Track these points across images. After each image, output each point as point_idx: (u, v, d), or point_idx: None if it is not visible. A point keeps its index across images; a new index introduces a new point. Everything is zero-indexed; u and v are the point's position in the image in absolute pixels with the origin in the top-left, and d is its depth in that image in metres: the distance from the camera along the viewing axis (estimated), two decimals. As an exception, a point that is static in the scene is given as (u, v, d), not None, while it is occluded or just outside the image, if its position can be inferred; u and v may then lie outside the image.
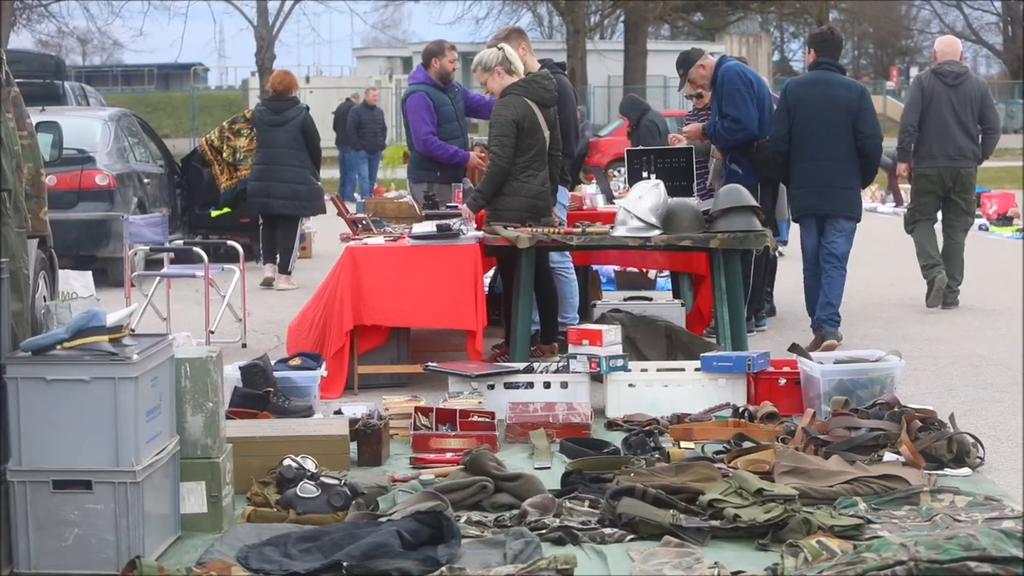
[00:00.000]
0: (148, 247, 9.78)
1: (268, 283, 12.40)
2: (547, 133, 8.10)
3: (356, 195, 22.41)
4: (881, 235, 16.30)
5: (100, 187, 12.60)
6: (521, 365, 7.17)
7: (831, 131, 8.70)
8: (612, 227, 7.83)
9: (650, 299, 9.70)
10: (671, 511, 4.93)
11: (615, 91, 42.66)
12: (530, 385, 6.95)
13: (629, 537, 4.85)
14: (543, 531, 4.87)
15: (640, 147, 11.31)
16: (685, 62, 9.59)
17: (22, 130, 5.31)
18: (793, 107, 8.83)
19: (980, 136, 10.49)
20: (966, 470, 5.75)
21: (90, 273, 10.17)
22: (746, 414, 6.59)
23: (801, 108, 8.79)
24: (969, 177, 10.50)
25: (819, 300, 8.80)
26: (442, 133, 9.37)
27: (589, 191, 10.94)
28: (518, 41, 8.58)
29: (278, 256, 12.61)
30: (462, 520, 5.00)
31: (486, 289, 8.58)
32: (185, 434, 4.96)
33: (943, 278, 10.36)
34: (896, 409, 6.13)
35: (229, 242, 10.08)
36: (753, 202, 7.86)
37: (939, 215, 10.78)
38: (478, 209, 8.15)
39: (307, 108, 12.53)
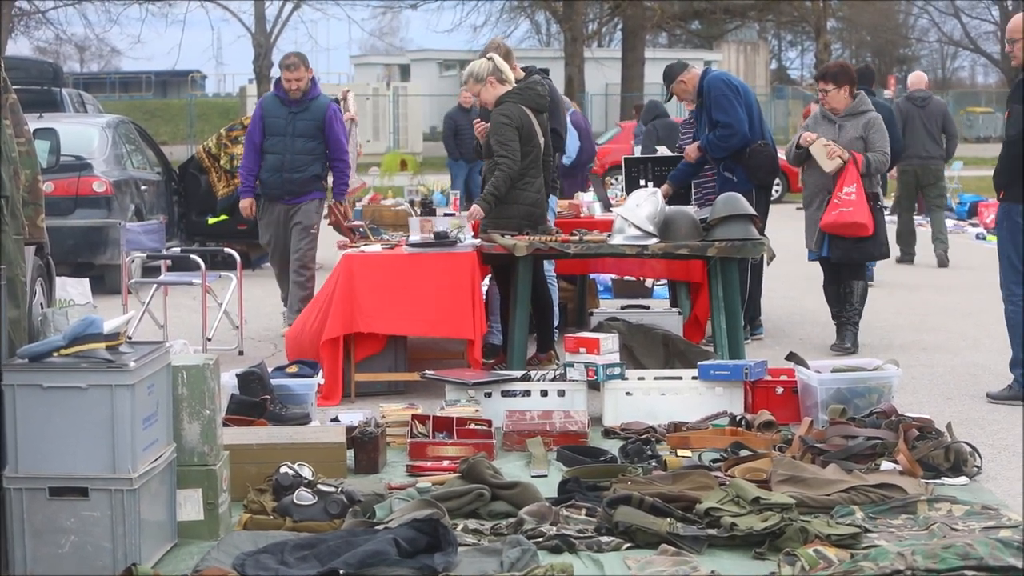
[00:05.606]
0: (145, 254, 9.77)
1: None
2: (542, 140, 8.07)
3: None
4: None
5: (97, 194, 12.58)
6: (518, 373, 7.16)
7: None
8: (609, 235, 7.82)
9: (647, 307, 9.69)
10: (668, 519, 4.93)
11: (612, 99, 42.67)
12: (527, 393, 6.94)
13: (626, 545, 4.85)
14: (540, 539, 4.86)
15: (638, 155, 11.33)
16: (668, 76, 9.54)
17: (19, 136, 5.30)
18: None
19: (944, 141, 14.38)
20: (963, 479, 5.75)
21: (87, 280, 10.16)
22: (743, 422, 6.59)
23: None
24: (937, 170, 14.44)
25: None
26: (267, 145, 9.58)
27: (586, 199, 10.92)
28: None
29: None
30: (459, 528, 4.99)
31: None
32: (182, 441, 4.95)
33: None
34: (893, 418, 6.13)
35: (226, 249, 10.08)
36: (751, 210, 7.86)
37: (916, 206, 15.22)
38: (489, 210, 7.99)
39: None
